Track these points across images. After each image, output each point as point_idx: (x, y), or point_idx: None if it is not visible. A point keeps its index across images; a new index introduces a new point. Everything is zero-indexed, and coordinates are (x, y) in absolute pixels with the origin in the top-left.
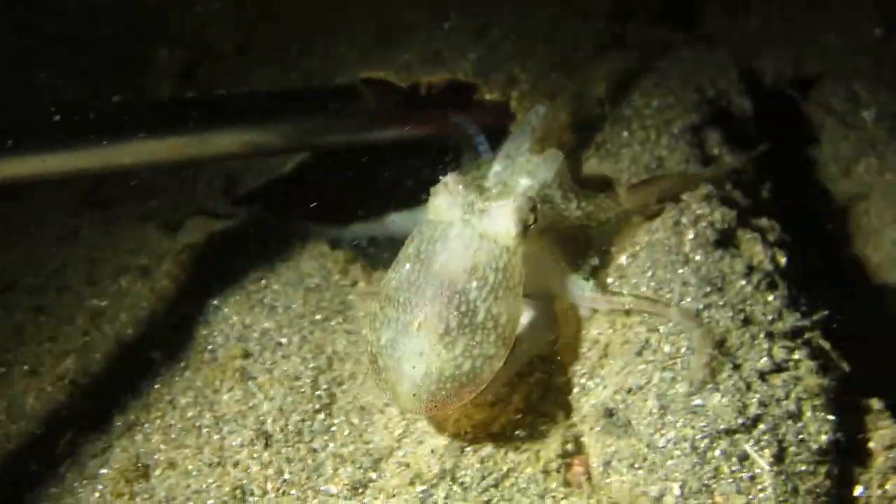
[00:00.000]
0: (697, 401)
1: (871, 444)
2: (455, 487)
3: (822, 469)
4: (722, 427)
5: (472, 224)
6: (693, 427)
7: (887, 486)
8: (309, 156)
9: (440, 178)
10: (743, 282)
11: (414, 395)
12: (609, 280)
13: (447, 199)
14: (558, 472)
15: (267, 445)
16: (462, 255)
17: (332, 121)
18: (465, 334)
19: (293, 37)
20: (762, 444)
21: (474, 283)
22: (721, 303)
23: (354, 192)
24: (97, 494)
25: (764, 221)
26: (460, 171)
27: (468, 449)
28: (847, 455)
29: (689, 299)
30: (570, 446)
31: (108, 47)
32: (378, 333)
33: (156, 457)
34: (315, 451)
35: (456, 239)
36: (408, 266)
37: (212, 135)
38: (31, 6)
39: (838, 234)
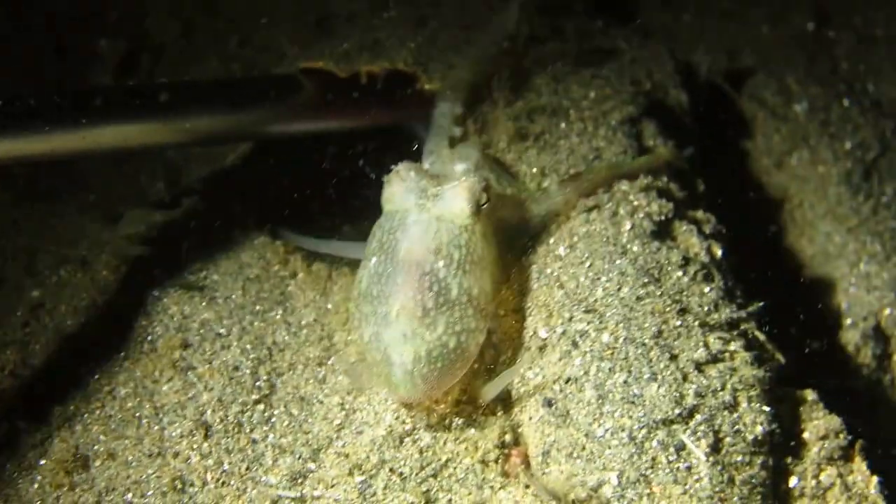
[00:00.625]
0: (635, 390)
1: (806, 435)
2: (394, 478)
3: (758, 460)
4: (659, 417)
5: (427, 208)
6: (630, 417)
7: (821, 477)
8: (252, 146)
9: (391, 167)
10: (679, 273)
11: (409, 381)
12: (548, 270)
13: (401, 187)
14: (496, 462)
15: (206, 436)
16: (424, 239)
17: (271, 111)
18: (443, 313)
19: (233, 27)
20: (699, 434)
21: (441, 263)
22: (658, 293)
23: (296, 183)
24: (36, 485)
25: (700, 214)
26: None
27: (407, 439)
28: (782, 446)
29: (626, 289)
30: (508, 437)
31: (46, 37)
32: (360, 331)
33: (95, 448)
34: (255, 441)
35: (415, 225)
36: (374, 260)
37: (151, 123)
38: None
39: (772, 226)
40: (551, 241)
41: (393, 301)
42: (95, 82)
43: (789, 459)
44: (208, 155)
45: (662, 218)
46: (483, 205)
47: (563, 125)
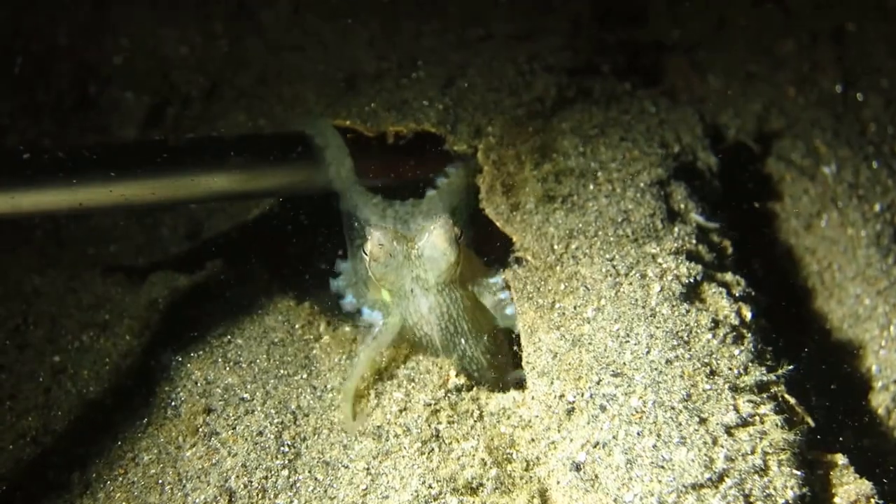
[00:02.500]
0: (664, 454)
1: (837, 500)
2: None
3: None
4: (689, 482)
5: (423, 279)
6: (660, 481)
7: None
8: (276, 201)
9: (368, 248)
10: (709, 335)
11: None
12: (575, 333)
13: (391, 263)
14: None
15: (230, 502)
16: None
17: (297, 167)
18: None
19: (261, 83)
20: (729, 499)
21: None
22: (687, 356)
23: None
24: None
25: (729, 276)
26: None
27: None
28: None
29: (655, 352)
30: (536, 501)
31: (71, 89)
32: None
33: None
34: None
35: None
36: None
37: (176, 179)
38: None
39: (802, 288)
40: (578, 303)
41: None
42: (120, 135)
43: None
44: (231, 209)
45: (691, 280)
46: (459, 237)
47: (591, 187)
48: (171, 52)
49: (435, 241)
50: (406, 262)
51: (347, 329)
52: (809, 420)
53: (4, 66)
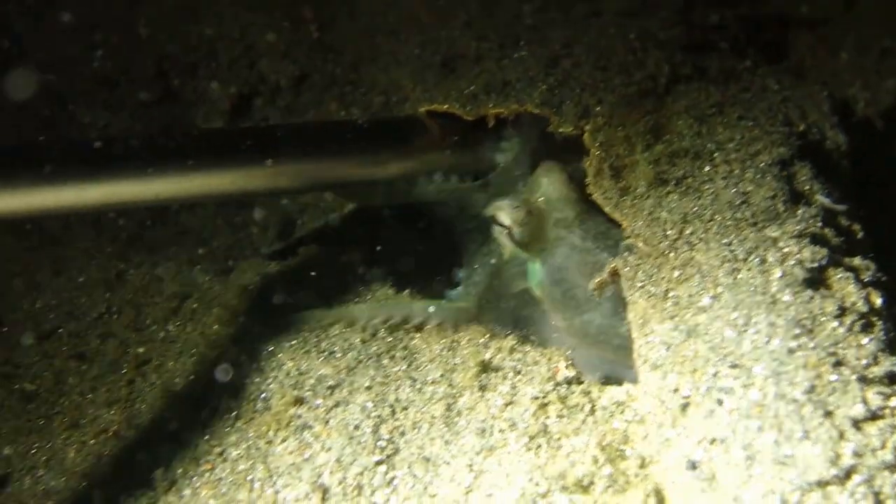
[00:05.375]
0: (786, 450)
1: None
2: None
3: None
4: (813, 479)
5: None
6: (782, 479)
7: None
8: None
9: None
10: (835, 323)
11: None
12: (690, 323)
13: (531, 221)
14: None
15: (324, 499)
16: None
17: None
18: None
19: (353, 69)
20: (857, 496)
21: None
22: (811, 345)
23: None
24: None
25: (857, 260)
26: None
27: (541, 502)
28: None
29: (776, 342)
30: (651, 500)
31: (154, 82)
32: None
33: None
34: None
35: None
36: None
37: (261, 168)
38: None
39: None
40: (693, 291)
41: None
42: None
43: None
44: (324, 205)
45: (816, 265)
46: None
47: (707, 168)
48: (258, 40)
49: (553, 180)
50: (541, 213)
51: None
52: None
53: (84, 61)
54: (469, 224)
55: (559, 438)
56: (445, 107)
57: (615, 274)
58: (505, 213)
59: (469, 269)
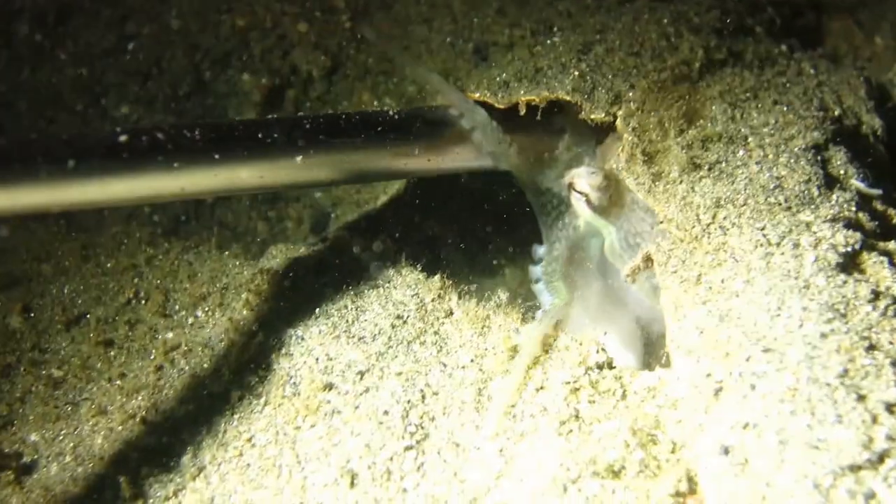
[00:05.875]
0: (819, 434)
1: None
2: None
3: None
4: (846, 463)
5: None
6: (815, 463)
7: None
8: (405, 185)
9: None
10: (868, 308)
11: None
12: (722, 307)
13: (610, 186)
14: None
15: (353, 485)
16: None
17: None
18: None
19: (386, 59)
20: (890, 480)
21: None
22: (844, 329)
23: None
24: None
25: (892, 245)
26: None
27: (572, 488)
28: None
29: (809, 326)
30: (683, 485)
31: (185, 74)
32: None
33: (232, 499)
34: (405, 490)
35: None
36: None
37: (292, 160)
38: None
39: None
40: (726, 275)
41: None
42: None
43: None
44: (358, 197)
45: (849, 249)
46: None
47: (740, 153)
48: (290, 30)
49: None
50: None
51: (480, 304)
52: None
53: (115, 53)
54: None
55: (590, 423)
56: (477, 95)
57: (648, 259)
58: (583, 180)
59: (549, 244)
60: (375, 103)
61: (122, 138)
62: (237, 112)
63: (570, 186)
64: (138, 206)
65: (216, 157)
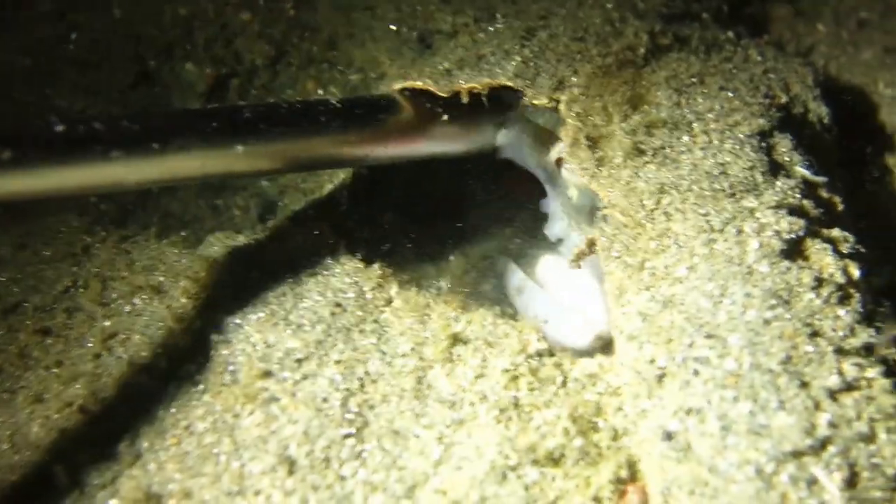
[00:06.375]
0: (761, 420)
1: None
2: None
3: None
4: (788, 449)
5: None
6: (757, 449)
7: None
8: (353, 174)
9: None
10: (811, 295)
11: None
12: (666, 294)
13: None
14: (610, 500)
15: (291, 472)
16: None
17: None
18: None
19: (330, 47)
20: (832, 467)
21: None
22: (787, 316)
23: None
24: None
25: (836, 232)
26: None
27: (511, 475)
28: None
29: (752, 312)
30: (623, 472)
31: (131, 65)
32: None
33: (170, 486)
34: (343, 478)
35: None
36: None
37: (232, 149)
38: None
39: None
40: (670, 262)
41: None
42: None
43: None
44: (305, 186)
45: (793, 236)
46: None
47: (685, 139)
48: (233, 19)
49: None
50: None
51: (420, 292)
52: None
53: (58, 44)
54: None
55: (530, 411)
56: (419, 83)
57: (593, 244)
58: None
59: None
60: (320, 92)
61: (59, 128)
62: (182, 102)
63: (559, 162)
64: (80, 197)
65: (155, 146)
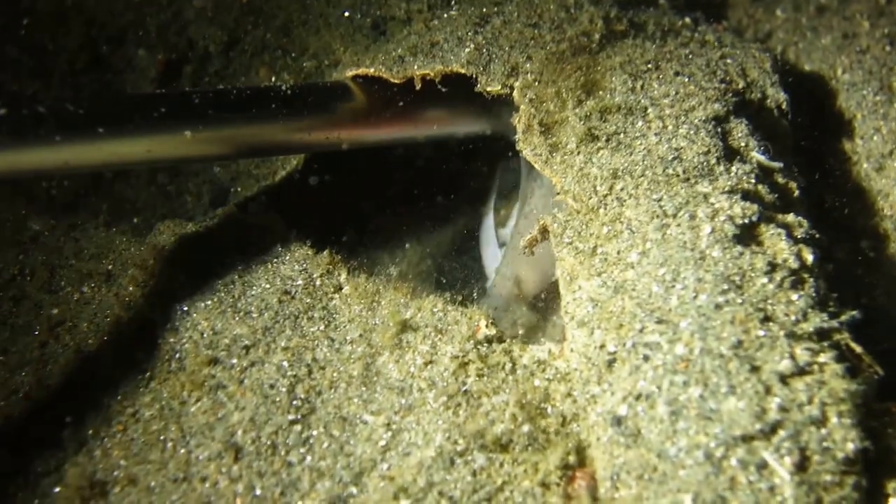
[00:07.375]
0: (711, 405)
1: None
2: (443, 502)
3: (849, 480)
4: (738, 434)
5: None
6: (707, 434)
7: None
8: (303, 161)
9: None
10: (764, 279)
11: None
12: (617, 279)
13: None
14: (559, 485)
15: (237, 459)
16: None
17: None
18: None
19: (284, 34)
20: (782, 451)
21: None
22: (739, 301)
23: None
24: None
25: (790, 217)
26: None
27: (459, 461)
28: (878, 465)
29: (703, 297)
30: (572, 458)
31: (82, 49)
32: None
33: (115, 473)
34: (290, 464)
35: None
36: None
37: (180, 134)
38: None
39: (873, 232)
40: (622, 247)
41: None
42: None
43: (887, 480)
44: (257, 172)
45: (747, 221)
46: None
47: (639, 124)
48: (186, 5)
49: None
50: None
51: (369, 280)
52: (878, 369)
53: (10, 28)
54: None
55: (479, 397)
56: (372, 70)
57: (545, 230)
58: None
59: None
60: (273, 79)
61: (1, 112)
62: (134, 87)
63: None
64: (23, 180)
65: (100, 130)
